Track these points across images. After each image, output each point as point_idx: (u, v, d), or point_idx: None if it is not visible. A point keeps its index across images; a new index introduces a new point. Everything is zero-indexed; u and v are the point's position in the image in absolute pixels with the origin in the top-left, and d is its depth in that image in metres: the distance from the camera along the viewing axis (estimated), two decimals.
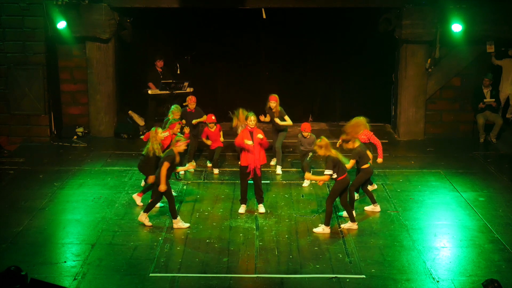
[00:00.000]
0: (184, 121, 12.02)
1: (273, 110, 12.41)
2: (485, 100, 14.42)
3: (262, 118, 12.36)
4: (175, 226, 9.96)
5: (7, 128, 14.41)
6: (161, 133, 10.66)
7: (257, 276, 8.55)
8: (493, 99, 14.43)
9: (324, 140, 9.65)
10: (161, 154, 10.31)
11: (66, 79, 14.90)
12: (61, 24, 13.88)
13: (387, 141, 14.87)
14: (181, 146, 10.05)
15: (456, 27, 13.99)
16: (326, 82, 16.28)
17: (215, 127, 12.56)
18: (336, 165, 9.59)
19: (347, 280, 8.45)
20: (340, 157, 9.68)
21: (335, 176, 9.61)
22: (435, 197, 11.40)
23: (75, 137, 14.75)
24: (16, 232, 9.78)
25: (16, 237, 9.61)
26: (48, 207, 10.80)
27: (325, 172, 9.60)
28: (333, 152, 9.62)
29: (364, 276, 8.54)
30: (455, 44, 14.47)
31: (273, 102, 12.40)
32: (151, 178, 10.24)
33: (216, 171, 12.61)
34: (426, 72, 14.77)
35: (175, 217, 9.98)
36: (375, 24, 14.65)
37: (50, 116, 14.61)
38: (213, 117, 12.46)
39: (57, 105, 14.84)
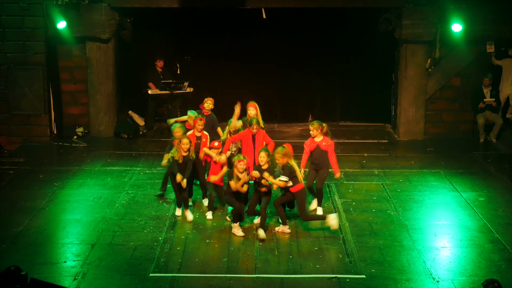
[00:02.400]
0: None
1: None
2: (485, 99, 14.41)
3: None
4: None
5: (7, 128, 14.41)
6: (185, 144, 10.03)
7: (257, 276, 8.55)
8: (493, 99, 14.43)
9: (286, 149, 9.50)
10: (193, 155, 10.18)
11: (66, 79, 14.90)
12: (61, 24, 13.88)
13: (387, 141, 14.90)
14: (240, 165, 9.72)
15: (456, 27, 13.99)
16: (326, 82, 16.29)
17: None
18: (291, 174, 9.46)
19: (347, 280, 8.45)
20: (297, 169, 9.53)
21: (290, 184, 9.44)
22: (435, 197, 11.40)
23: (75, 137, 14.75)
24: (16, 232, 9.78)
25: (16, 237, 9.61)
26: (48, 207, 10.80)
27: (281, 178, 9.43)
28: (293, 162, 9.49)
29: (364, 276, 8.54)
30: (455, 44, 14.47)
31: (253, 110, 10.93)
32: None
33: (209, 215, 10.39)
34: (426, 72, 14.77)
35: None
36: (375, 24, 14.65)
37: (50, 116, 14.61)
38: (216, 144, 10.36)
39: (57, 105, 14.84)
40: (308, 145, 10.43)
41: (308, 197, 10.33)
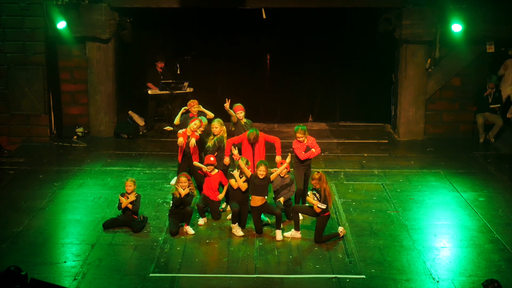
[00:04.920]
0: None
1: (242, 122, 11.23)
2: (491, 106, 14.39)
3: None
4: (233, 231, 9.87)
5: (7, 128, 14.40)
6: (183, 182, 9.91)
7: (257, 276, 8.55)
8: (499, 104, 14.41)
9: (322, 173, 9.47)
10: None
11: (66, 79, 14.89)
12: (61, 24, 13.88)
13: (387, 141, 14.90)
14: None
15: (456, 27, 13.99)
16: (326, 82, 16.27)
17: (216, 171, 10.41)
18: (325, 199, 9.41)
19: (347, 280, 8.45)
20: (331, 195, 9.51)
21: (324, 207, 9.39)
22: (435, 197, 11.40)
23: (75, 137, 14.75)
24: (16, 232, 9.78)
25: (16, 237, 9.61)
26: (48, 207, 10.80)
27: (319, 206, 9.38)
28: (328, 186, 9.45)
29: (364, 276, 8.55)
30: (455, 44, 14.47)
31: (241, 112, 11.19)
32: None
33: (201, 221, 10.20)
34: (426, 72, 14.77)
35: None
36: (375, 24, 14.65)
37: (50, 116, 14.61)
38: (212, 158, 10.32)
39: (57, 105, 14.83)
40: (300, 148, 10.44)
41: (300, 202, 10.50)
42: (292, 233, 9.71)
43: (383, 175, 12.51)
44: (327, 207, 9.37)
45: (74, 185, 11.88)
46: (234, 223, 9.81)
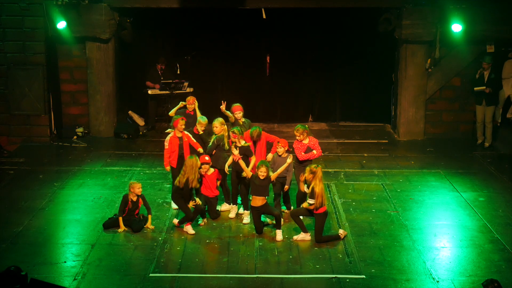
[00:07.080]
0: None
1: (240, 122, 11.10)
2: (475, 88, 14.13)
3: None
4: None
5: (7, 128, 14.41)
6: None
7: (257, 276, 8.55)
8: (484, 87, 14.08)
9: (319, 169, 9.31)
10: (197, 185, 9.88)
11: (66, 79, 14.89)
12: (61, 24, 13.89)
13: (387, 141, 14.90)
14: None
15: (456, 27, 13.99)
16: (326, 82, 16.28)
17: (212, 170, 10.40)
18: (318, 197, 9.32)
19: (347, 280, 8.45)
20: (323, 191, 9.30)
21: (312, 207, 9.32)
22: (435, 197, 11.40)
23: (75, 137, 14.75)
24: (16, 232, 9.79)
25: (16, 237, 9.61)
26: (48, 207, 10.80)
27: (309, 202, 9.33)
28: (319, 183, 9.25)
29: (364, 276, 8.55)
30: (455, 44, 14.47)
31: (239, 113, 11.09)
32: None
33: (201, 221, 10.26)
34: (426, 72, 14.77)
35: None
36: (375, 24, 14.65)
37: (50, 116, 14.61)
38: (207, 158, 10.31)
39: (57, 105, 14.84)
40: (300, 148, 10.43)
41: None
42: (301, 236, 9.61)
43: (383, 175, 12.51)
44: (320, 203, 9.27)
45: (74, 185, 11.88)
46: (247, 210, 10.10)
